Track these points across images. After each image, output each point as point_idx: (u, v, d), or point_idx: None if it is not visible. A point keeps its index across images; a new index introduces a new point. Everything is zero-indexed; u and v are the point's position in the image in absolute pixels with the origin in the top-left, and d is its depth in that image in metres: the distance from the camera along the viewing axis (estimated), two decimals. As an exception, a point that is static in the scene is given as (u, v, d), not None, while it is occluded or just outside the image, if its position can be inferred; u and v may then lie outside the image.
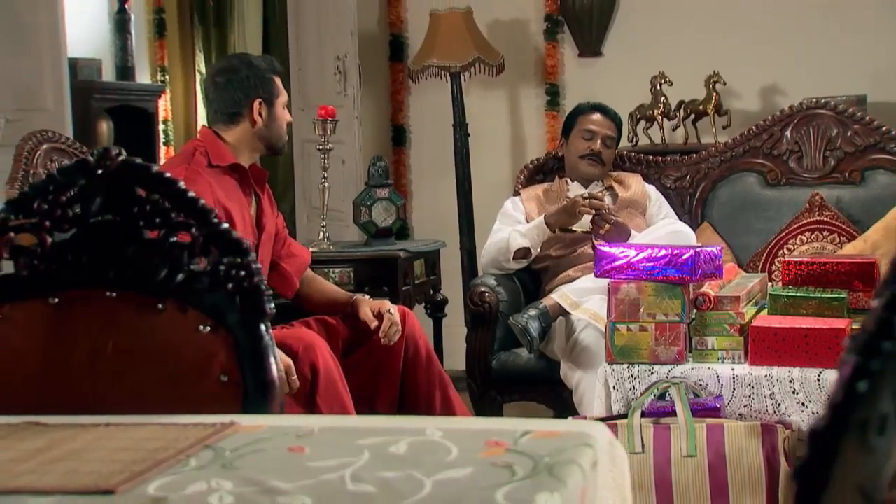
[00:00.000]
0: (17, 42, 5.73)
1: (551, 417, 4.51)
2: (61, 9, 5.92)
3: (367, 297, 4.29)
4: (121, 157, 2.07)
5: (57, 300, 2.10)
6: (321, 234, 5.21)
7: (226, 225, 2.05)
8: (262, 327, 2.05)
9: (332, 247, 5.18)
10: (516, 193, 5.12)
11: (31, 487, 1.59)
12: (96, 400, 2.04)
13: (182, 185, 2.05)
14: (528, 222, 4.88)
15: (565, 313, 4.45)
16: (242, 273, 2.04)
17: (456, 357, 4.98)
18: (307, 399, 3.74)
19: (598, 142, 4.89)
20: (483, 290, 4.70)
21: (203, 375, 2.06)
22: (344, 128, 6.18)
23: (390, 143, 6.67)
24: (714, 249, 3.76)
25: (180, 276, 2.07)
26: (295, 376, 3.67)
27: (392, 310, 4.11)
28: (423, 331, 4.29)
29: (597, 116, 4.95)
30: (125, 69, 7.31)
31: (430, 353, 4.22)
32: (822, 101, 5.05)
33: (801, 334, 3.49)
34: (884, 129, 4.91)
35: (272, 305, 2.05)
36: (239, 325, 2.05)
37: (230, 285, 2.04)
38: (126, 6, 7.36)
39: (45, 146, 4.25)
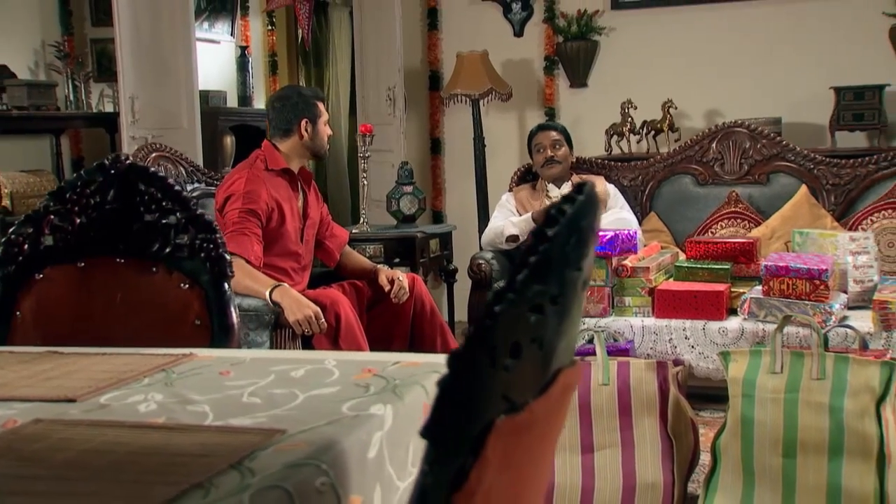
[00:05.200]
0: (161, 77, 5.81)
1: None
2: (195, 52, 5.99)
3: (386, 267, 4.33)
4: (128, 161, 2.13)
5: (83, 264, 2.16)
6: (362, 219, 5.26)
7: (200, 210, 2.10)
8: (226, 285, 2.10)
9: (369, 229, 5.21)
10: (510, 190, 5.13)
11: (14, 396, 1.65)
12: (109, 336, 2.08)
13: (171, 181, 2.10)
14: (517, 212, 4.89)
15: (537, 279, 4.46)
16: (211, 246, 2.09)
17: (464, 311, 4.99)
18: (332, 339, 3.79)
19: (547, 150, 4.87)
20: (480, 262, 4.72)
21: (183, 320, 2.10)
22: (393, 140, 6.23)
23: (429, 152, 6.67)
24: (629, 231, 3.76)
25: (168, 248, 2.12)
26: (323, 320, 3.72)
27: (402, 277, 4.14)
28: (428, 292, 4.31)
29: (540, 133, 4.95)
30: (245, 97, 7.43)
31: (433, 309, 4.24)
32: (739, 121, 4.99)
33: (692, 295, 3.48)
34: (784, 143, 4.86)
35: (232, 270, 2.10)
36: (209, 283, 2.09)
37: (203, 255, 2.10)
38: (246, 52, 7.48)
39: (153, 154, 4.32)
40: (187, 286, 2.11)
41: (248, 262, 3.80)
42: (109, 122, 6.43)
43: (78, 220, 2.14)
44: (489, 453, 1.04)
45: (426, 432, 1.01)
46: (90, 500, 1.18)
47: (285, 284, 3.81)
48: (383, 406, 1.56)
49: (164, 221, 2.11)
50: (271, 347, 3.78)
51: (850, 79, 5.48)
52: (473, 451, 1.03)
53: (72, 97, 6.53)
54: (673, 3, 6.02)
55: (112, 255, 2.15)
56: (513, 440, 1.09)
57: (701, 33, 5.95)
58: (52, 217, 2.13)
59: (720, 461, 3.02)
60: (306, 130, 4.11)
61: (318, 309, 3.72)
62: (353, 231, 4.98)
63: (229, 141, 6.86)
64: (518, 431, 1.09)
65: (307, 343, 3.79)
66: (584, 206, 1.13)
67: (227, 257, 2.08)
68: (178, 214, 2.09)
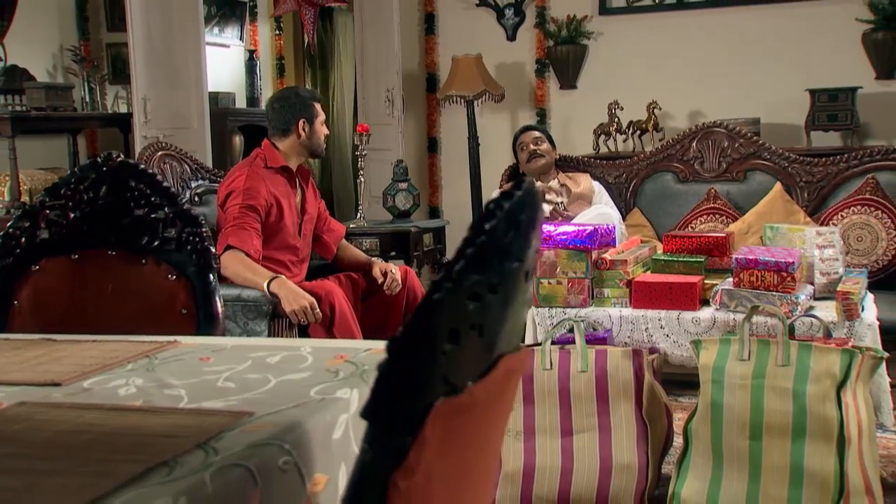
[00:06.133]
0: (173, 80, 5.80)
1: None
2: (205, 56, 5.98)
3: (380, 260, 4.34)
4: (119, 159, 2.13)
5: (76, 256, 2.16)
6: (359, 214, 5.25)
7: (187, 205, 2.10)
8: (210, 276, 2.10)
9: (366, 224, 5.21)
10: (500, 187, 5.12)
11: (4, 380, 1.64)
12: (100, 324, 2.09)
13: (159, 177, 2.11)
14: (507, 207, 4.89)
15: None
16: (197, 239, 2.09)
17: (457, 302, 4.98)
18: (327, 327, 3.79)
19: (530, 146, 4.88)
20: (471, 254, 4.72)
21: (170, 309, 2.11)
22: (391, 139, 6.23)
23: (426, 151, 6.68)
24: (608, 226, 3.75)
25: (156, 241, 2.12)
26: (318, 310, 3.72)
27: (394, 270, 4.14)
28: (421, 284, 4.31)
29: (523, 134, 4.95)
30: (253, 99, 7.42)
31: (425, 300, 4.24)
32: (718, 122, 4.97)
33: (667, 287, 3.48)
34: (760, 142, 4.84)
35: (216, 262, 2.11)
36: (195, 275, 2.10)
37: (189, 247, 2.10)
38: (255, 55, 7.47)
39: (159, 153, 4.32)
40: (174, 277, 2.12)
41: (247, 255, 3.81)
42: (123, 123, 6.43)
43: (72, 215, 2.14)
44: (428, 433, 1.04)
45: (365, 412, 1.02)
46: (59, 477, 1.19)
47: (282, 276, 3.81)
48: (349, 390, 1.57)
49: (152, 216, 2.12)
50: (269, 336, 3.78)
51: (824, 81, 5.47)
52: (412, 431, 1.03)
53: (88, 99, 6.54)
54: (658, 9, 6.02)
55: (104, 248, 2.16)
56: (453, 421, 1.09)
57: (684, 38, 5.95)
58: (47, 212, 2.14)
59: (691, 444, 3.02)
60: (304, 130, 4.10)
61: (314, 299, 3.73)
62: (351, 226, 4.98)
63: (238, 140, 6.86)
64: (458, 413, 1.10)
65: (303, 332, 3.79)
66: (521, 201, 1.14)
67: (212, 250, 2.09)
68: (166, 209, 2.10)
